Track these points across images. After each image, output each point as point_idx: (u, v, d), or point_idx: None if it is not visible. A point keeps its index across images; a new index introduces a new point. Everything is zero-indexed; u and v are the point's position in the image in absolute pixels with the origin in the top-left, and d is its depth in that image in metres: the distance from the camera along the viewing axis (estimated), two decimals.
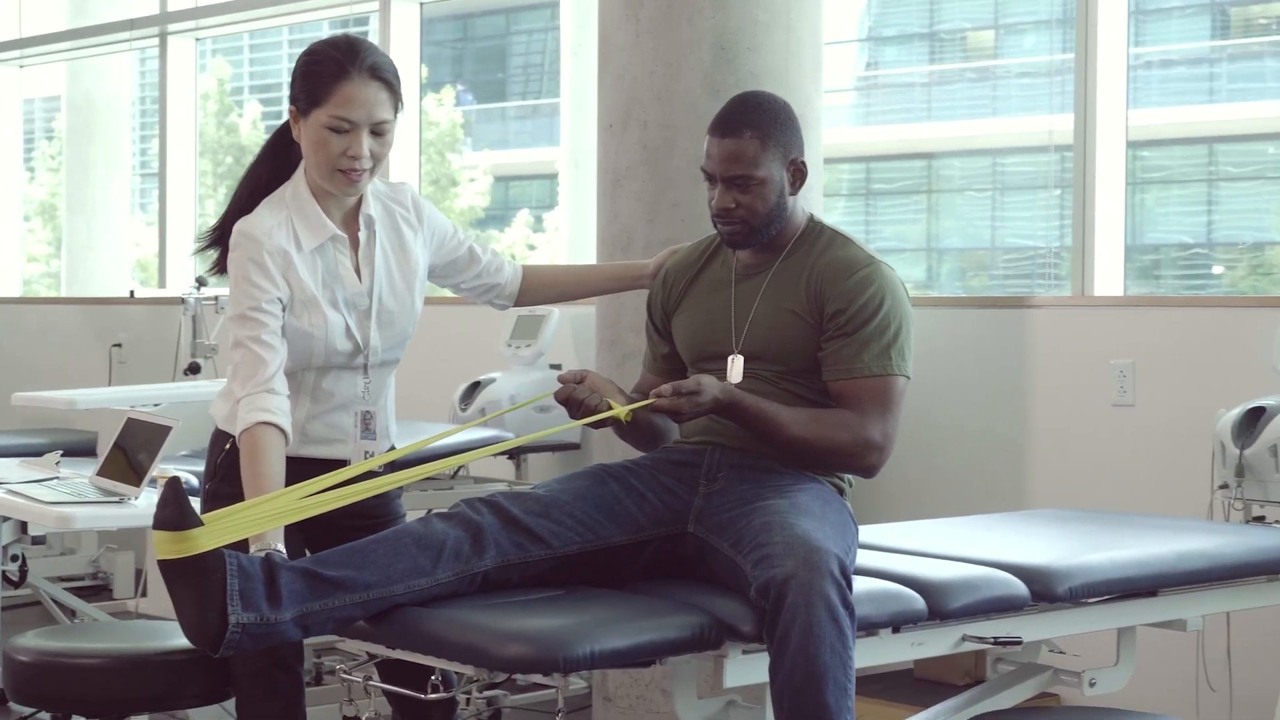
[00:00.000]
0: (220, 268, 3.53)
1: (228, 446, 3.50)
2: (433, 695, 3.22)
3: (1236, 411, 4.49)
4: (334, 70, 3.38)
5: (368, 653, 3.28)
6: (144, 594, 6.68)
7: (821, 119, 5.31)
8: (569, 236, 8.22)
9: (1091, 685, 3.83)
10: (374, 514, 3.58)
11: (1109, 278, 5.40)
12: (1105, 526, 4.11)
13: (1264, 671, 4.58)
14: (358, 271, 3.50)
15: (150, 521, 3.08)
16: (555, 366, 6.37)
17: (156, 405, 6.00)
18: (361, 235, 3.51)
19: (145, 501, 4.25)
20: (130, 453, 4.37)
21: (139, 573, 7.14)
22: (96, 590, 7.66)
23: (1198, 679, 4.63)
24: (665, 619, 3.16)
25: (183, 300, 6.91)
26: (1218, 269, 12.31)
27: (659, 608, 3.22)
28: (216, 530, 3.05)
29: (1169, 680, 4.54)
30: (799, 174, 3.58)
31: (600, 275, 4.05)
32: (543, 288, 3.90)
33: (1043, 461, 5.26)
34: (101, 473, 4.43)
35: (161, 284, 8.79)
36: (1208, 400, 4.88)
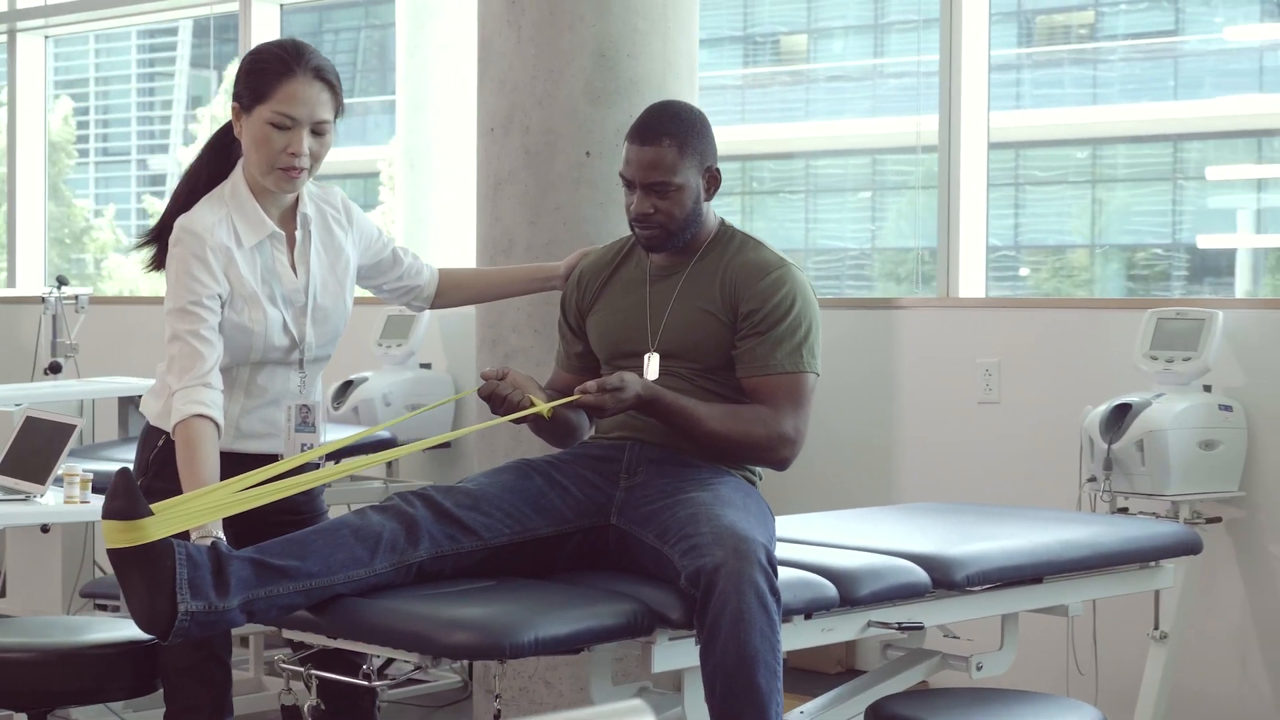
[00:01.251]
0: (158, 264, 3.59)
1: (160, 443, 3.56)
2: (380, 683, 3.31)
3: (1104, 408, 4.71)
4: (279, 68, 3.47)
5: (311, 643, 3.37)
6: (3, 594, 6.64)
7: None
8: (403, 234, 8.27)
9: (979, 669, 4.01)
10: (301, 509, 3.66)
11: (973, 279, 5.61)
12: (990, 518, 4.31)
13: (1128, 655, 4.81)
14: (294, 269, 3.59)
15: (56, 518, 3.13)
16: (425, 366, 6.45)
17: (17, 405, 5.99)
18: (298, 234, 3.60)
19: (52, 498, 4.28)
20: (29, 452, 4.39)
21: None
22: None
23: (1068, 663, 4.85)
24: (600, 607, 3.29)
25: (42, 299, 6.88)
26: (1024, 271, 12.64)
27: (592, 596, 3.35)
28: (166, 519, 3.12)
29: (1040, 665, 4.74)
30: (714, 181, 3.73)
31: (513, 278, 4.16)
32: (458, 290, 4.01)
33: (911, 458, 5.46)
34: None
35: (11, 283, 8.71)
36: (1069, 397, 5.10)
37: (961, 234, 5.58)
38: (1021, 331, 5.29)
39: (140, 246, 3.65)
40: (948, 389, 5.39)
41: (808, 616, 3.56)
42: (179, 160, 11.30)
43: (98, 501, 4.33)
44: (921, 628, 3.75)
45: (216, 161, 3.61)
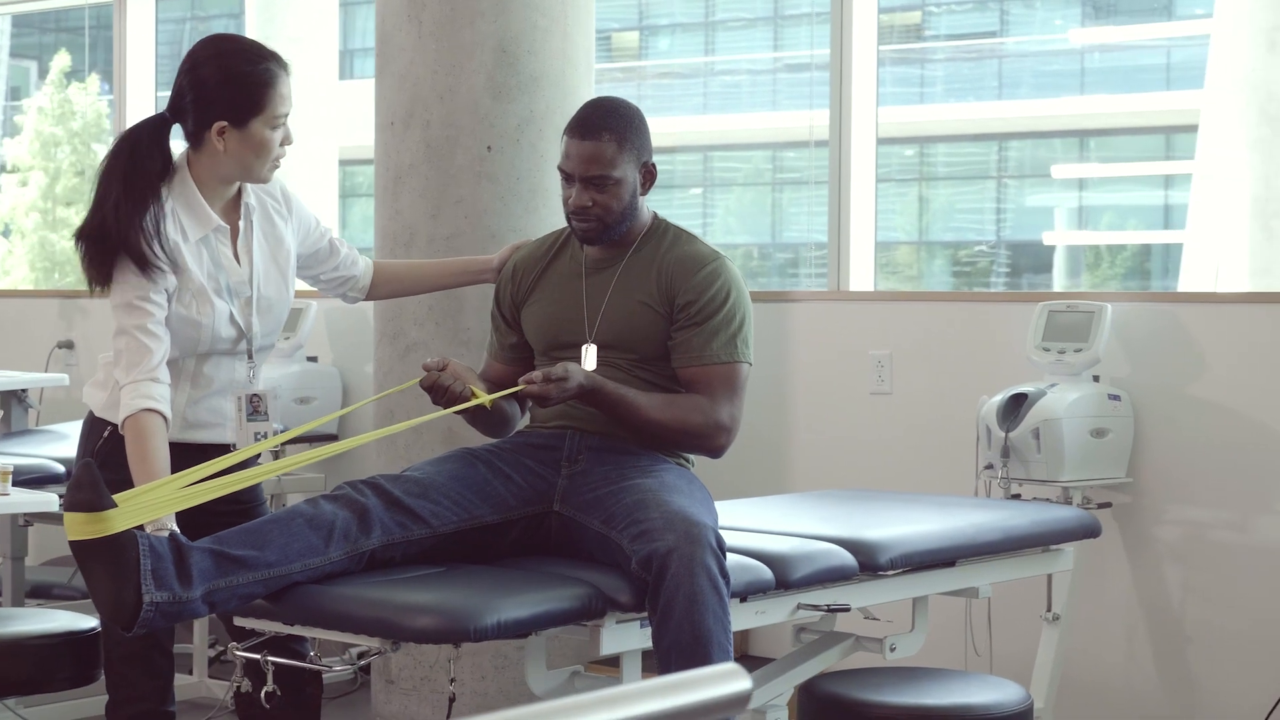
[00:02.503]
0: (104, 276, 3.54)
1: (106, 434, 3.57)
2: (343, 667, 3.36)
3: (1000, 397, 4.87)
4: (266, 78, 3.54)
5: (261, 631, 3.41)
6: None
7: None
8: None
9: (892, 650, 4.14)
10: (243, 498, 3.69)
11: (862, 273, 5.74)
12: (900, 504, 4.44)
13: (1020, 635, 4.97)
14: (238, 260, 3.62)
15: None
16: (312, 359, 6.46)
17: None
18: (241, 224, 3.63)
19: None
20: None
21: None
22: None
23: (966, 644, 5.00)
24: (555, 591, 3.37)
25: None
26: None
27: (545, 581, 3.42)
28: (129, 511, 3.15)
29: (938, 646, 4.88)
30: (650, 175, 3.82)
31: (445, 270, 4.21)
32: (392, 281, 4.06)
33: (804, 448, 5.58)
34: None
35: None
36: (959, 388, 5.25)
37: (852, 228, 5.70)
38: (912, 324, 5.43)
39: (88, 257, 3.55)
40: (841, 380, 5.51)
41: (743, 599, 3.66)
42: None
43: (18, 494, 4.32)
44: (849, 609, 3.85)
45: (151, 161, 3.57)
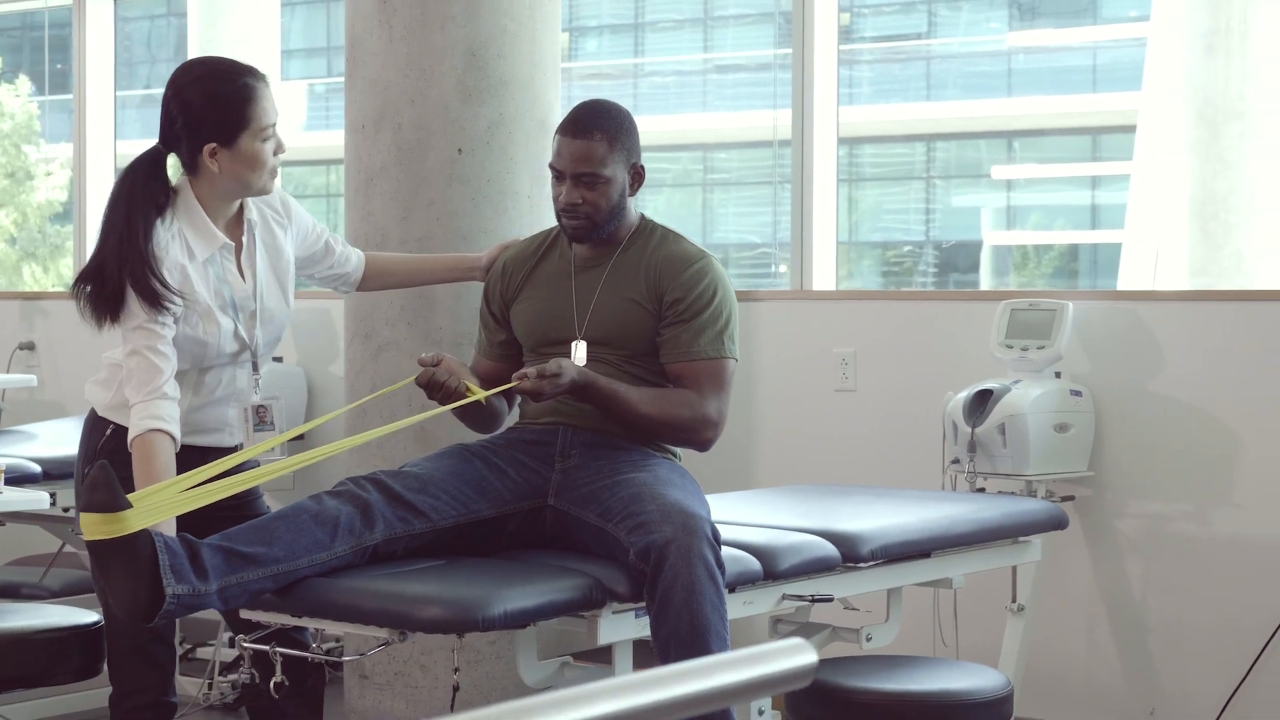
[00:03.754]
0: (112, 314, 3.57)
1: (109, 431, 3.64)
2: (349, 657, 3.44)
3: (966, 394, 4.98)
4: (246, 93, 3.62)
5: (275, 624, 3.48)
6: None
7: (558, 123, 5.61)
8: None
9: (868, 640, 4.25)
10: (243, 499, 3.76)
11: (824, 272, 5.84)
12: (875, 497, 4.55)
13: (986, 626, 5.08)
14: (242, 274, 3.70)
15: None
16: (277, 359, 6.50)
17: None
18: (244, 239, 3.71)
19: None
20: None
21: None
22: None
23: (934, 634, 5.11)
24: (557, 582, 3.46)
25: None
26: (782, 268, 13.02)
27: (546, 572, 3.51)
28: (144, 511, 3.22)
29: (907, 636, 4.99)
30: (638, 176, 3.91)
31: (435, 266, 4.31)
32: (382, 276, 4.16)
33: (770, 445, 5.68)
34: None
35: None
36: (923, 385, 5.36)
37: (815, 227, 5.79)
38: (875, 323, 5.54)
39: (92, 299, 3.59)
40: (805, 378, 5.61)
41: (731, 590, 3.76)
42: None
43: (10, 492, 4.37)
44: (831, 599, 3.96)
45: (149, 194, 3.63)
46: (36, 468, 5.05)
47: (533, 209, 5.29)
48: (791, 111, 5.85)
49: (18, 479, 5.06)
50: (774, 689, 1.82)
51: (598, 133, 3.84)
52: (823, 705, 3.90)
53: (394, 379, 5.17)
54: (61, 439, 5.77)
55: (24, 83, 15.64)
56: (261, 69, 3.72)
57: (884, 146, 17.79)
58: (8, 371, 6.91)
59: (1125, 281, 7.00)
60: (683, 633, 3.40)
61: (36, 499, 4.31)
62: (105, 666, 3.78)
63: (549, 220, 5.29)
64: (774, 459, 5.65)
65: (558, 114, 5.57)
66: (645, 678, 1.70)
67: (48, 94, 17.23)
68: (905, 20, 17.21)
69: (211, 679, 5.66)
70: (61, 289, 13.98)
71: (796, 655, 1.83)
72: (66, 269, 16.15)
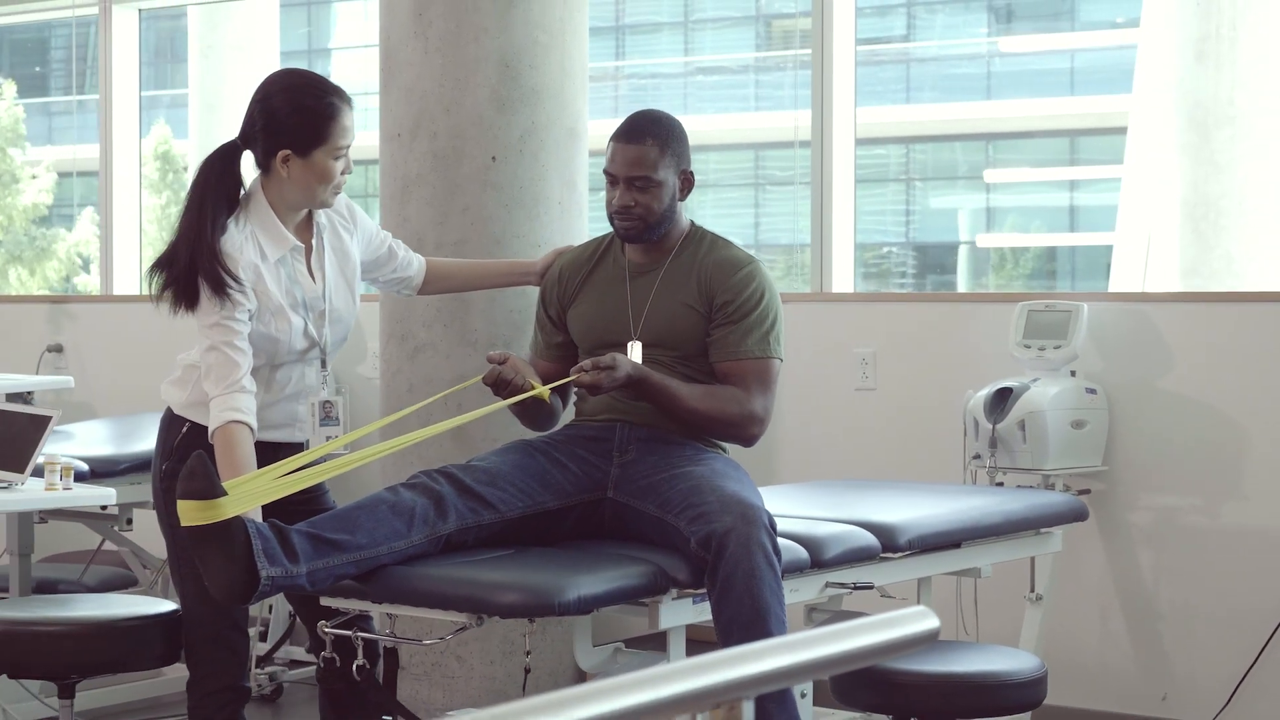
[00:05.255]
0: (189, 302, 3.76)
1: (185, 429, 3.82)
2: (429, 640, 3.63)
3: (986, 391, 5.18)
4: (330, 111, 3.81)
5: (355, 609, 3.67)
6: None
7: (587, 131, 5.79)
8: None
9: None
10: (313, 492, 3.94)
11: (843, 274, 6.03)
12: (901, 491, 4.76)
13: (1005, 615, 5.28)
14: (312, 276, 3.89)
15: (40, 505, 3.45)
16: None
17: None
18: (314, 242, 3.90)
19: (31, 486, 4.47)
20: (3, 443, 4.56)
21: None
22: None
23: (957, 622, 5.31)
24: (624, 569, 3.64)
25: None
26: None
27: (613, 561, 3.69)
28: (237, 498, 3.40)
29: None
30: (688, 182, 4.11)
31: (493, 271, 4.52)
32: (442, 280, 4.36)
33: (792, 442, 5.86)
34: None
35: None
36: (941, 384, 5.56)
37: (835, 229, 5.96)
38: (894, 324, 5.73)
39: (168, 284, 3.79)
40: (826, 377, 5.80)
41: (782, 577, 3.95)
42: None
43: (80, 489, 4.54)
44: (872, 586, 4.16)
45: (223, 187, 3.84)
46: (84, 466, 5.20)
47: (563, 214, 5.46)
48: (811, 113, 6.00)
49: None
50: (906, 649, 2.02)
51: (650, 139, 4.03)
52: (872, 688, 4.08)
53: (430, 380, 5.35)
54: (99, 438, 5.93)
55: (9, 87, 15.75)
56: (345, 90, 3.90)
57: (863, 148, 17.95)
58: (37, 373, 7.05)
59: (1117, 282, 7.19)
60: (744, 617, 3.59)
61: (104, 495, 4.47)
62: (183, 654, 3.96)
63: (579, 225, 5.49)
64: (797, 455, 5.84)
65: (585, 124, 5.74)
66: (795, 639, 1.91)
67: (31, 98, 17.34)
68: (884, 23, 17.42)
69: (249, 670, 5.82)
70: (87, 293, 14.06)
71: (922, 621, 2.04)
72: (53, 272, 16.25)
